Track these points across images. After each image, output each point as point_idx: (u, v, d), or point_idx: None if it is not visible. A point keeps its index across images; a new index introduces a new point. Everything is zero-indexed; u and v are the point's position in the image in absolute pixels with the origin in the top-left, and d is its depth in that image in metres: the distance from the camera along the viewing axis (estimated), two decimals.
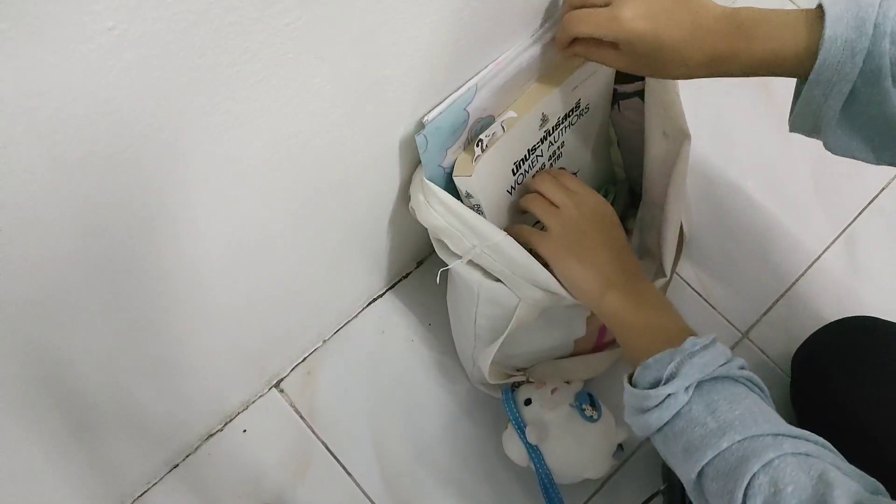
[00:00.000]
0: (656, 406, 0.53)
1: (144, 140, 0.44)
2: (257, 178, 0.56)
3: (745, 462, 0.47)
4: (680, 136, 0.71)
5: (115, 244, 0.50)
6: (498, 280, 0.67)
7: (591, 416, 0.77)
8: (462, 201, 0.66)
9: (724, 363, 0.53)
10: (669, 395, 0.52)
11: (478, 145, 0.64)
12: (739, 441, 0.49)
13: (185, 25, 0.40)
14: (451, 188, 0.66)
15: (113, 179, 0.45)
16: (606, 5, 0.56)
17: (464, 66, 0.64)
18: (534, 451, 0.77)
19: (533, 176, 0.72)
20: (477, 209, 0.66)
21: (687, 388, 0.52)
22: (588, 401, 0.78)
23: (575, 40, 0.60)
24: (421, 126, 0.63)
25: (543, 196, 0.68)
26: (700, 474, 0.50)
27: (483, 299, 0.70)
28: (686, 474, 0.52)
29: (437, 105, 0.63)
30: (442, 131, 0.62)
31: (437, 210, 0.65)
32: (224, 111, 0.47)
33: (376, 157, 0.66)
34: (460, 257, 0.67)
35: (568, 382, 0.80)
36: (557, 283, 0.64)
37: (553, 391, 0.78)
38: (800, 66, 0.53)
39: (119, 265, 0.52)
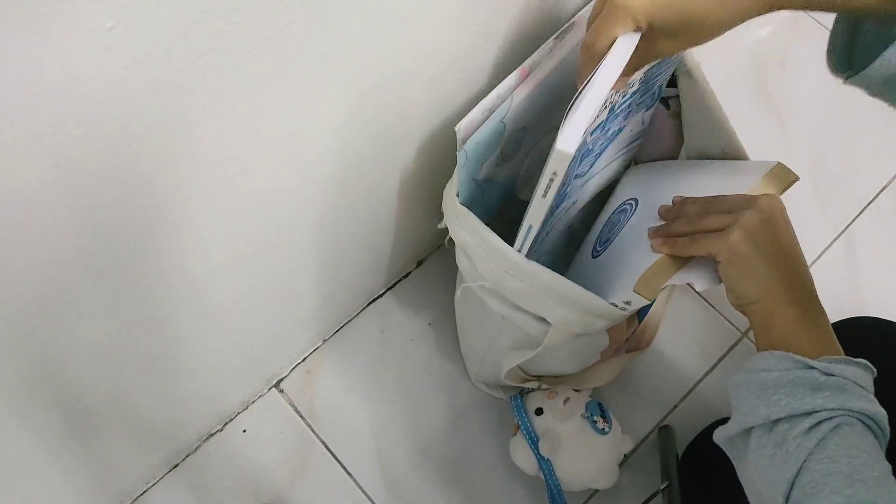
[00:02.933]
0: (808, 391, 0.47)
1: (144, 140, 0.44)
2: (257, 179, 0.56)
3: None
4: (738, 157, 0.69)
5: (114, 243, 0.50)
6: (524, 310, 0.65)
7: (603, 429, 0.77)
8: (616, 304, 0.61)
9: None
10: (837, 377, 0.46)
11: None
12: None
13: (185, 25, 0.39)
14: (477, 199, 0.65)
15: (112, 179, 0.45)
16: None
17: (466, 67, 0.64)
18: (545, 464, 0.77)
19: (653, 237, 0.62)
20: (623, 309, 0.62)
21: (840, 411, 0.46)
22: (599, 412, 0.78)
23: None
24: (453, 134, 0.61)
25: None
26: None
27: (506, 329, 0.69)
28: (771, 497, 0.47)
29: (469, 112, 0.61)
30: (481, 146, 0.61)
31: (464, 230, 0.64)
32: (224, 111, 0.47)
33: (377, 158, 0.66)
34: (483, 278, 0.65)
35: (577, 390, 0.80)
36: (591, 297, 0.60)
37: (565, 401, 0.78)
38: None
39: (118, 264, 0.52)
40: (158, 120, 0.43)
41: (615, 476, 0.78)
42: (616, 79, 0.50)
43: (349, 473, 0.85)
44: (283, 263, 0.70)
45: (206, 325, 0.68)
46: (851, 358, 0.50)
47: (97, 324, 0.56)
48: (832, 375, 0.48)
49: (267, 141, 0.53)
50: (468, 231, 0.64)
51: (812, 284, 0.56)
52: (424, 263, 0.95)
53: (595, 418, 0.77)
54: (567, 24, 0.65)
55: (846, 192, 1.03)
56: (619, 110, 0.65)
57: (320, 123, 0.56)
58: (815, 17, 1.17)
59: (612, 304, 0.61)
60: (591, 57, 0.52)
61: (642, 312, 0.76)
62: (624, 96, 0.63)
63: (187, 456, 0.84)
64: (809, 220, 1.01)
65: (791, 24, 1.17)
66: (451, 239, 0.69)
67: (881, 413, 0.48)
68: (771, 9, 0.49)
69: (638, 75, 0.61)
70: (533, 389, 0.81)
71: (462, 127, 0.60)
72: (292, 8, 0.44)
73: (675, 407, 0.89)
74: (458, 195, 0.65)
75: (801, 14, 1.17)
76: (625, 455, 0.80)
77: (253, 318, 0.74)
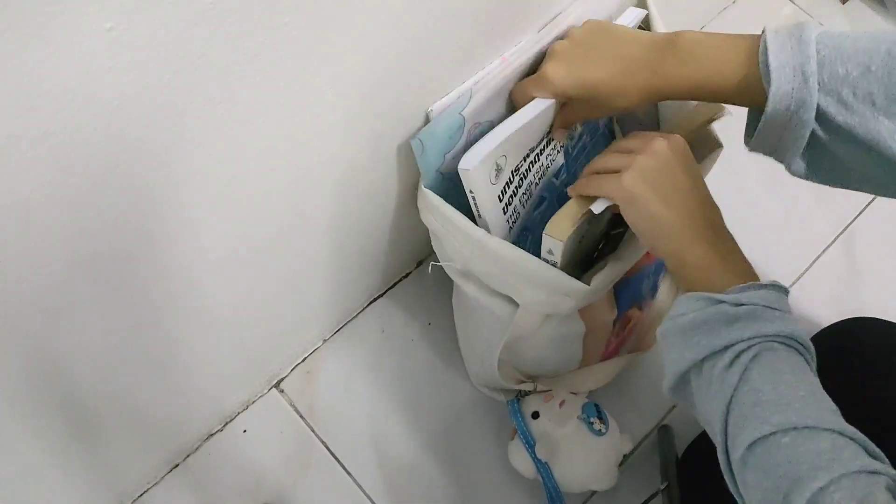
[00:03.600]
0: (723, 324, 0.47)
1: (143, 141, 0.44)
2: (257, 179, 0.56)
3: (794, 475, 0.42)
4: (711, 145, 0.70)
5: (115, 244, 0.50)
6: (496, 292, 0.66)
7: (600, 430, 0.77)
8: (540, 256, 0.62)
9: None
10: (747, 306, 0.47)
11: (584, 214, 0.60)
12: (795, 430, 0.43)
13: (184, 26, 0.40)
14: (449, 192, 0.66)
15: (112, 180, 0.45)
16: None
17: (466, 67, 0.64)
18: (543, 467, 0.77)
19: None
20: (553, 265, 0.63)
21: (756, 339, 0.46)
22: (595, 413, 0.78)
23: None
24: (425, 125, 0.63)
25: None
26: (742, 455, 0.44)
27: (486, 320, 0.69)
28: (720, 442, 0.46)
29: (445, 97, 0.63)
30: (437, 136, 0.62)
31: (430, 213, 0.65)
32: (224, 112, 0.47)
33: (377, 158, 0.66)
34: (452, 259, 0.66)
35: (574, 393, 0.80)
36: (555, 272, 0.61)
37: (561, 404, 0.78)
38: (743, 93, 0.52)
39: (118, 266, 0.52)
40: (157, 121, 0.44)
41: (614, 477, 0.78)
42: (519, 126, 0.60)
43: (349, 473, 0.85)
44: (282, 265, 0.70)
45: (206, 326, 0.68)
46: (761, 282, 0.50)
47: (97, 326, 0.56)
48: (742, 305, 0.48)
49: (266, 143, 0.53)
50: (433, 213, 0.65)
51: (719, 217, 0.56)
52: (424, 263, 0.95)
53: (591, 420, 0.77)
54: (548, 26, 0.66)
55: (846, 192, 1.03)
56: (573, 151, 0.71)
57: (319, 125, 0.56)
58: (815, 17, 1.17)
59: (543, 259, 0.62)
60: (517, 103, 0.62)
61: (623, 302, 0.76)
62: (573, 139, 0.70)
63: (188, 456, 0.84)
64: (809, 220, 1.01)
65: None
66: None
67: (798, 330, 0.48)
68: (659, 98, 0.56)
69: (578, 127, 0.69)
70: (529, 392, 0.81)
71: (435, 109, 0.62)
72: (290, 9, 0.44)
73: (675, 407, 0.89)
74: (424, 186, 0.65)
75: (801, 14, 1.17)
76: (624, 455, 0.80)
77: (253, 319, 0.74)
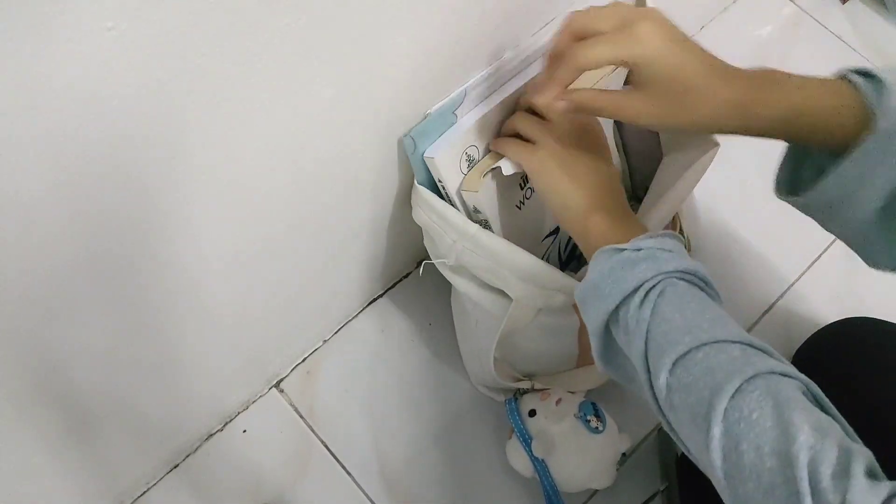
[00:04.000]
0: (623, 270, 0.49)
1: (144, 140, 0.44)
2: (256, 179, 0.56)
3: (712, 384, 0.43)
4: (707, 145, 0.70)
5: (115, 244, 0.50)
6: (490, 287, 0.67)
7: (597, 428, 0.77)
8: (470, 217, 0.65)
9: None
10: (645, 249, 0.50)
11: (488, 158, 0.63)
12: (706, 345, 0.45)
13: (184, 26, 0.39)
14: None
15: (112, 179, 0.45)
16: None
17: (467, 68, 0.64)
18: (539, 465, 0.77)
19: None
20: (484, 224, 0.66)
21: (659, 276, 0.49)
22: (592, 411, 0.78)
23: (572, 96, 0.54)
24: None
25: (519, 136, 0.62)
26: (665, 382, 0.46)
27: (473, 308, 0.70)
28: (645, 381, 0.48)
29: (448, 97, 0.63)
30: (429, 134, 0.62)
31: (422, 209, 0.65)
32: (224, 112, 0.47)
33: (376, 158, 0.66)
34: (445, 256, 0.67)
35: (572, 392, 0.80)
36: (545, 267, 0.62)
37: (557, 402, 0.78)
38: (844, 125, 0.47)
39: (117, 266, 0.52)
40: (158, 121, 0.43)
41: (612, 475, 0.78)
42: (481, 116, 0.61)
43: (349, 473, 0.85)
44: (282, 264, 0.70)
45: (205, 326, 0.68)
46: (656, 232, 0.53)
47: (97, 325, 0.56)
48: (641, 250, 0.51)
49: (266, 142, 0.53)
50: (424, 208, 0.65)
51: (621, 196, 0.60)
52: (424, 263, 0.95)
53: (588, 417, 0.77)
54: (545, 27, 0.66)
55: None
56: None
57: (319, 124, 0.56)
58: (815, 17, 1.17)
59: (474, 220, 0.65)
60: (575, 65, 0.51)
61: None
62: None
63: (187, 456, 0.84)
64: (810, 220, 1.01)
65: (791, 24, 1.17)
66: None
67: (696, 266, 0.50)
68: (746, 120, 0.50)
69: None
70: (527, 390, 0.81)
71: (434, 110, 0.63)
72: (291, 8, 0.44)
73: None
74: (418, 182, 0.66)
75: (801, 14, 1.17)
76: (623, 455, 0.80)
77: (253, 319, 0.74)
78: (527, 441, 0.77)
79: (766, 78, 0.50)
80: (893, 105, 0.45)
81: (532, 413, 0.78)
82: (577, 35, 0.52)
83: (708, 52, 0.51)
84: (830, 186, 0.49)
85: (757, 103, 0.49)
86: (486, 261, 0.64)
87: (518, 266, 0.63)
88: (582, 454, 0.76)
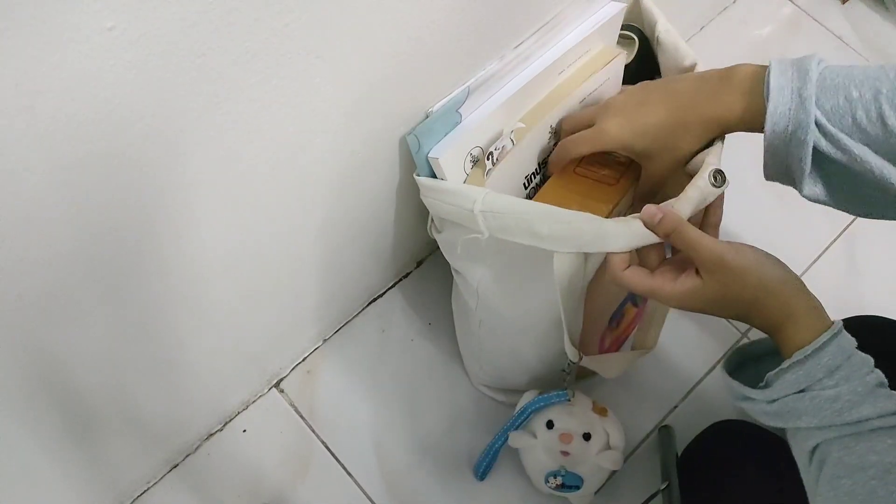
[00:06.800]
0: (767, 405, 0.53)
1: (144, 140, 0.44)
2: (257, 178, 0.56)
3: None
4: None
5: (115, 244, 0.50)
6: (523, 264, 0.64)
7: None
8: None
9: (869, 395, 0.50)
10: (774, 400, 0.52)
11: (488, 158, 0.63)
12: None
13: (185, 25, 0.40)
14: None
15: (113, 179, 0.45)
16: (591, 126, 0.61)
17: (467, 67, 0.64)
18: (501, 439, 0.79)
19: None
20: None
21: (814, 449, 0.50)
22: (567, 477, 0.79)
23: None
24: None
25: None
26: None
27: (483, 321, 0.68)
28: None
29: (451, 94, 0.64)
30: (434, 133, 0.62)
31: (431, 197, 0.65)
32: (224, 111, 0.47)
33: (377, 157, 0.66)
34: (477, 236, 0.63)
35: (588, 435, 0.78)
36: (567, 211, 0.59)
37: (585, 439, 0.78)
38: (747, 122, 0.54)
39: (118, 265, 0.52)
40: (158, 120, 0.44)
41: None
42: (485, 116, 0.63)
43: (349, 473, 0.85)
44: (283, 264, 0.70)
45: (206, 326, 0.68)
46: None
47: (97, 324, 0.56)
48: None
49: (267, 141, 0.53)
50: (433, 195, 0.64)
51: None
52: (424, 263, 0.95)
53: (553, 481, 0.78)
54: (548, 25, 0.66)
55: None
56: None
57: (319, 123, 0.56)
58: (814, 17, 1.17)
59: None
60: (566, 156, 0.63)
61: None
62: None
63: (187, 456, 0.84)
64: (809, 219, 1.01)
65: (791, 24, 1.17)
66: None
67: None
68: (724, 130, 0.57)
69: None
70: (561, 402, 0.78)
71: (436, 109, 0.63)
72: (291, 7, 0.44)
73: (675, 407, 0.89)
74: (417, 174, 0.65)
75: (801, 14, 1.17)
76: (623, 454, 0.79)
77: (253, 319, 0.74)
78: (514, 425, 0.78)
79: (730, 86, 0.55)
80: (776, 110, 0.51)
81: (550, 424, 0.77)
82: (567, 132, 0.65)
83: (664, 87, 0.59)
84: (769, 173, 0.57)
85: (725, 120, 0.56)
86: (510, 218, 0.59)
87: (539, 210, 0.59)
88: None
